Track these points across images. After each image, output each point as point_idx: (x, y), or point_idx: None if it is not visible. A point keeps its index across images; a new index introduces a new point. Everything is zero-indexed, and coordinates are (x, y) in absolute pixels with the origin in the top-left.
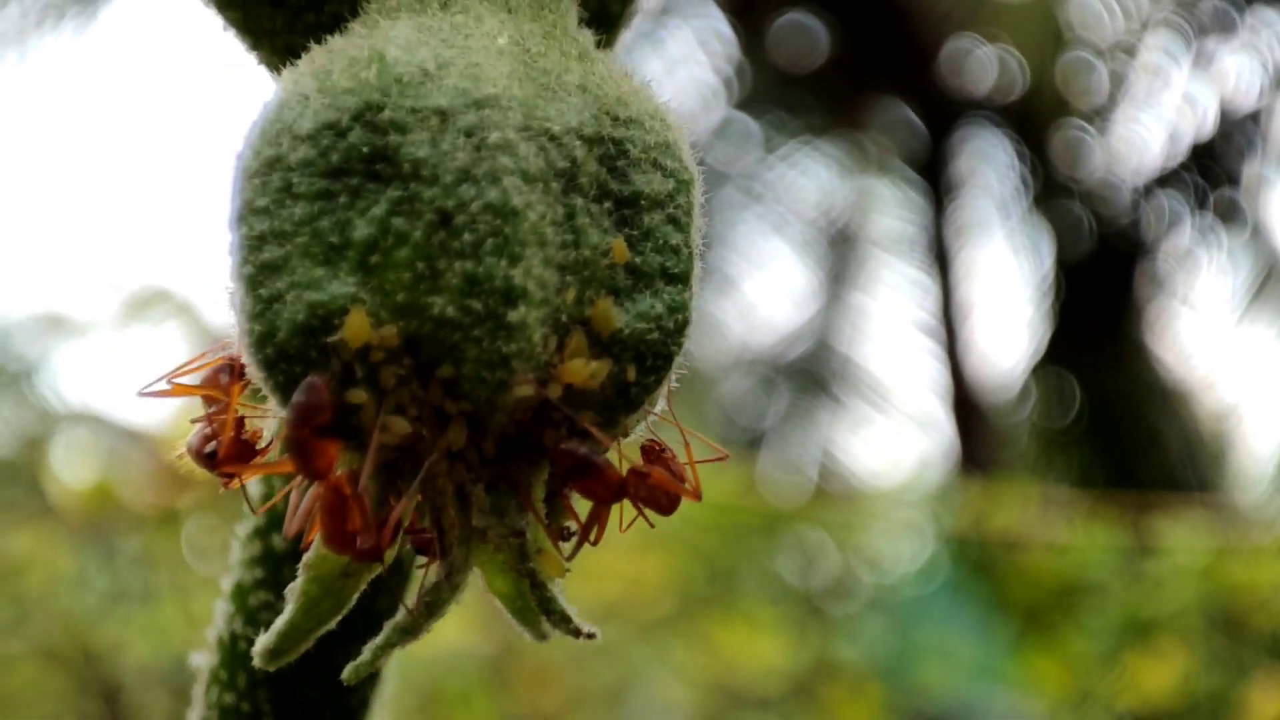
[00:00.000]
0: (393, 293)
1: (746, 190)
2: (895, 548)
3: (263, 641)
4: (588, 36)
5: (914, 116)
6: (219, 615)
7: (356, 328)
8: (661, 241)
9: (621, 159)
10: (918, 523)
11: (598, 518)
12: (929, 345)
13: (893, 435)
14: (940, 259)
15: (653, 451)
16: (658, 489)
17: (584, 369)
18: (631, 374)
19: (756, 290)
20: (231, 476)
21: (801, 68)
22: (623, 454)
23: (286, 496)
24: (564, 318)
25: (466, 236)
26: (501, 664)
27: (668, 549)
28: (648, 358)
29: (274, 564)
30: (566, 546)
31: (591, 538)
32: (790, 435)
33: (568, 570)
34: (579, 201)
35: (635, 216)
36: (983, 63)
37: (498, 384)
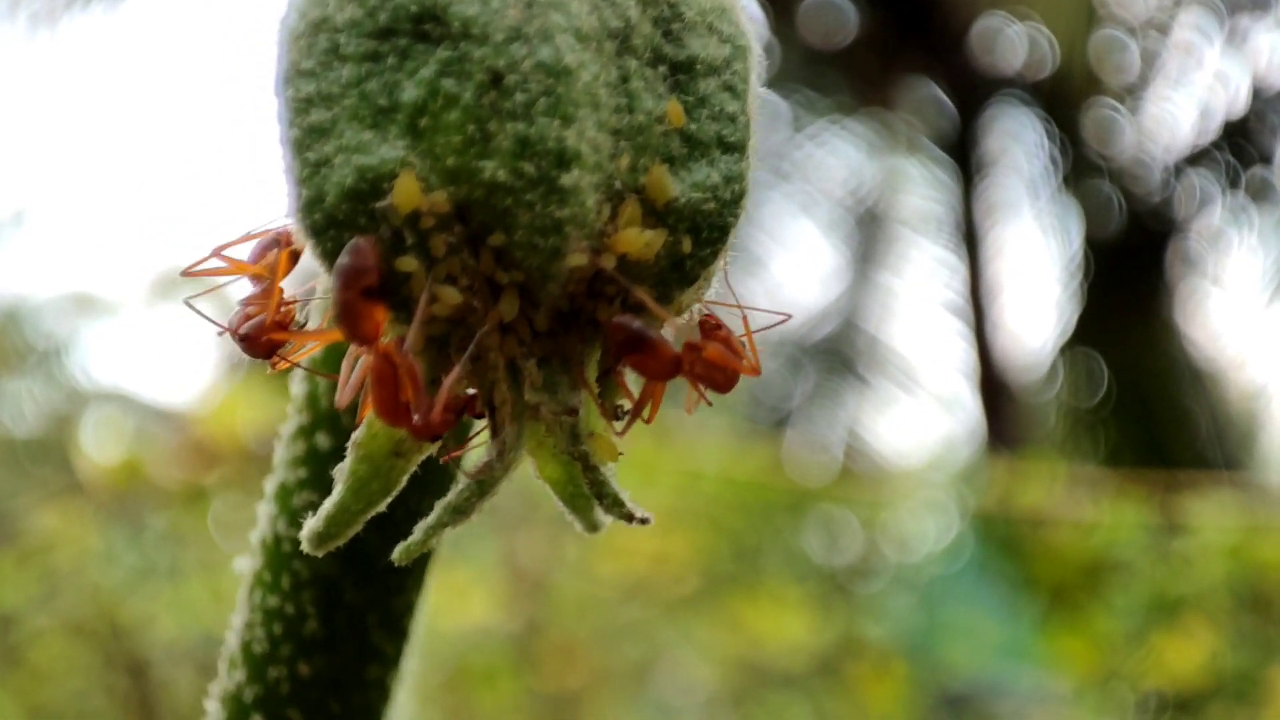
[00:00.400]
0: (443, 156)
1: (774, 169)
2: (921, 526)
3: (310, 525)
4: None
5: (943, 95)
6: (261, 517)
7: (406, 192)
8: (718, 109)
9: (676, 22)
10: (944, 501)
11: (651, 394)
12: (957, 325)
13: (919, 415)
14: (969, 238)
15: (708, 326)
16: (714, 365)
17: (638, 238)
18: (687, 245)
19: (784, 270)
20: (274, 353)
21: (830, 46)
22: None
23: (332, 385)
24: (618, 185)
25: (518, 96)
26: (526, 642)
27: (693, 527)
28: (704, 229)
29: (318, 463)
30: (619, 426)
31: (645, 415)
32: (816, 415)
33: (621, 454)
34: (633, 64)
35: (690, 82)
36: (1013, 41)
37: (551, 251)
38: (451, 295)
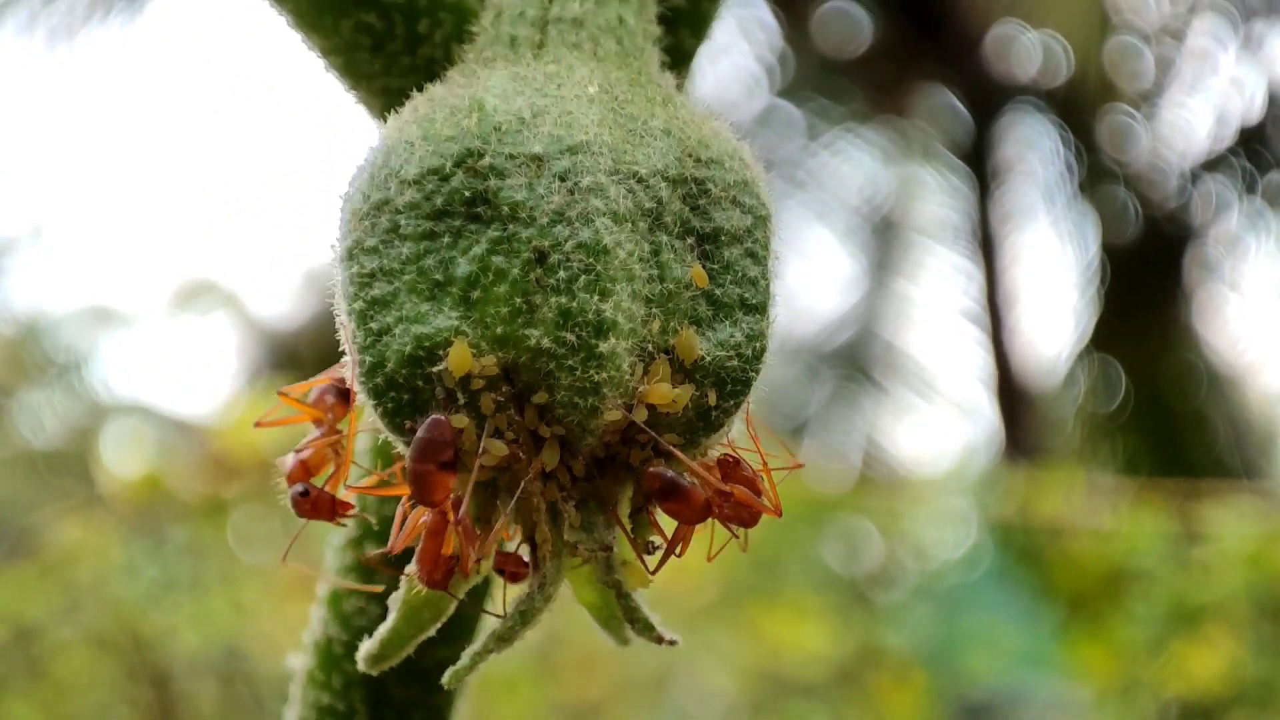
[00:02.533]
0: (492, 325)
1: (790, 178)
2: (940, 535)
3: (366, 648)
4: (669, 81)
5: (958, 103)
6: (314, 620)
7: (459, 358)
8: (741, 274)
9: (703, 197)
10: (963, 510)
11: (683, 536)
12: (974, 332)
13: (937, 422)
14: (985, 245)
15: (728, 465)
16: (740, 507)
17: (668, 394)
18: (712, 398)
19: (800, 278)
20: (311, 514)
21: (845, 55)
22: (703, 473)
23: (385, 513)
24: (650, 346)
25: (561, 273)
26: (547, 652)
27: (710, 538)
28: (728, 383)
29: (367, 572)
30: (651, 560)
31: (677, 552)
32: (834, 422)
33: (651, 581)
34: (664, 238)
35: (716, 251)
36: (1027, 48)
37: (589, 409)
38: (499, 448)
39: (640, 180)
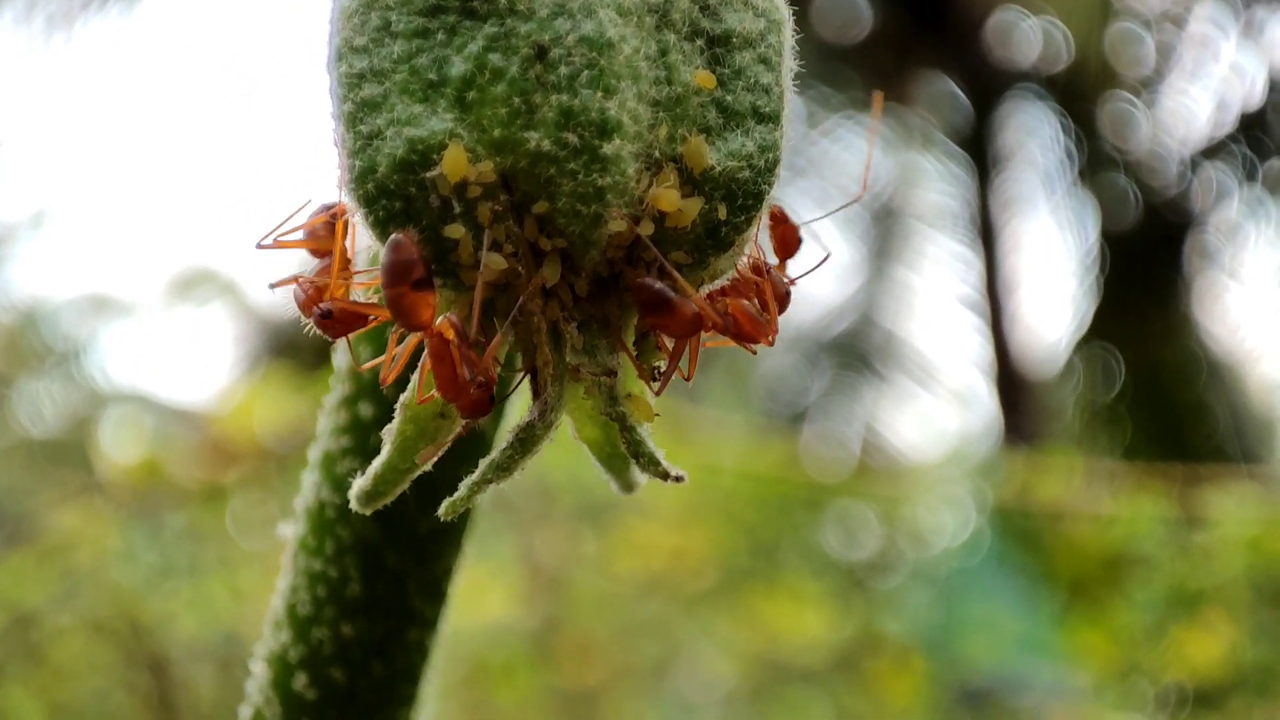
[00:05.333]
0: (489, 128)
1: (790, 165)
2: (939, 521)
3: (359, 484)
4: None
5: (958, 90)
6: (306, 485)
7: (454, 163)
8: (753, 80)
9: None
10: (961, 496)
11: (680, 353)
12: (973, 320)
13: (936, 409)
14: (985, 233)
15: (744, 280)
16: (733, 325)
17: (675, 200)
18: (722, 212)
19: (800, 265)
20: (349, 329)
21: (845, 42)
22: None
23: (374, 364)
24: (657, 154)
25: (562, 70)
26: (545, 638)
27: (711, 522)
28: (739, 196)
29: (361, 432)
30: (656, 387)
31: (684, 374)
32: (834, 410)
33: (656, 415)
34: (671, 38)
35: (727, 55)
36: (1028, 35)
37: (592, 218)
38: (497, 261)
39: None
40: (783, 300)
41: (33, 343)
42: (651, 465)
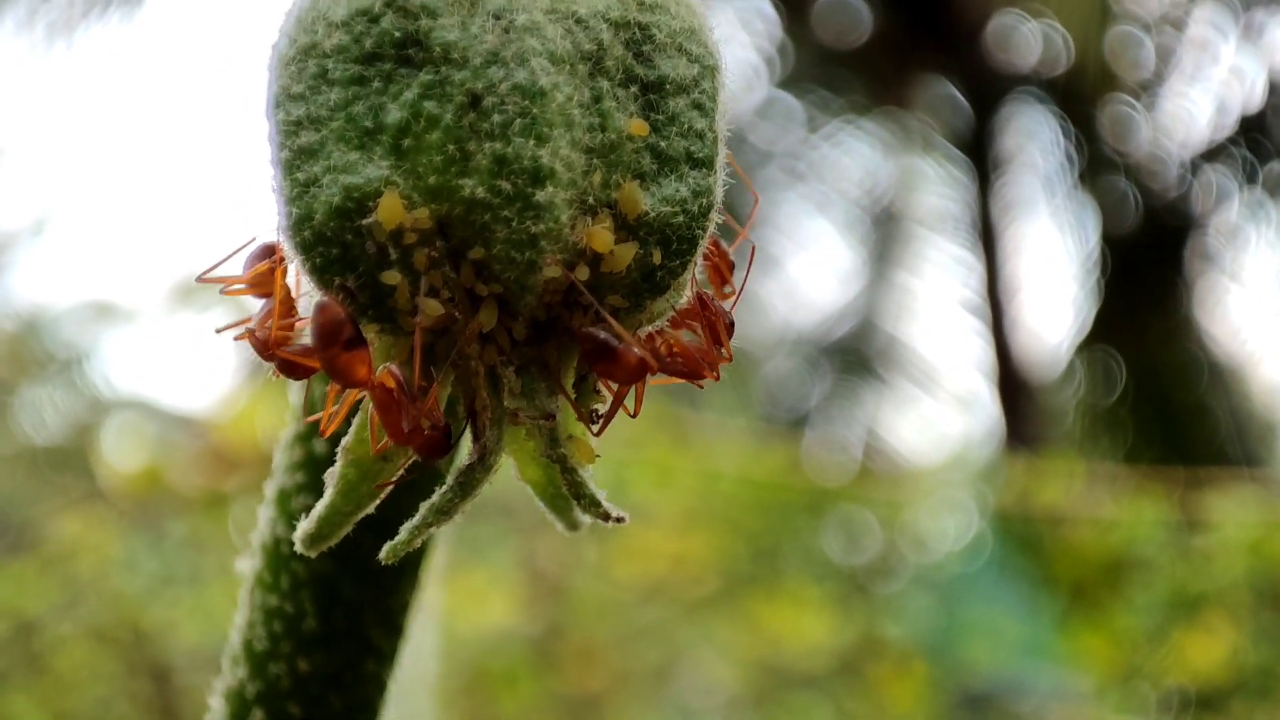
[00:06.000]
0: (425, 175)
1: (790, 169)
2: (940, 525)
3: (303, 527)
4: None
5: (958, 93)
6: (261, 520)
7: (390, 210)
8: (686, 126)
9: (647, 44)
10: (963, 500)
11: (622, 398)
12: (974, 323)
13: (938, 413)
14: (986, 237)
15: (687, 314)
16: (681, 363)
17: (608, 240)
18: (657, 257)
19: (800, 269)
20: (304, 373)
21: (845, 45)
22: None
23: (315, 417)
24: (591, 200)
25: (495, 118)
26: (547, 644)
27: (711, 528)
28: (673, 240)
29: (315, 469)
30: (596, 429)
31: (630, 410)
32: (835, 414)
33: (597, 456)
34: (605, 85)
35: (660, 101)
36: (1028, 38)
37: (527, 264)
38: (434, 307)
39: (579, 21)
40: (726, 330)
41: (34, 350)
42: (593, 507)
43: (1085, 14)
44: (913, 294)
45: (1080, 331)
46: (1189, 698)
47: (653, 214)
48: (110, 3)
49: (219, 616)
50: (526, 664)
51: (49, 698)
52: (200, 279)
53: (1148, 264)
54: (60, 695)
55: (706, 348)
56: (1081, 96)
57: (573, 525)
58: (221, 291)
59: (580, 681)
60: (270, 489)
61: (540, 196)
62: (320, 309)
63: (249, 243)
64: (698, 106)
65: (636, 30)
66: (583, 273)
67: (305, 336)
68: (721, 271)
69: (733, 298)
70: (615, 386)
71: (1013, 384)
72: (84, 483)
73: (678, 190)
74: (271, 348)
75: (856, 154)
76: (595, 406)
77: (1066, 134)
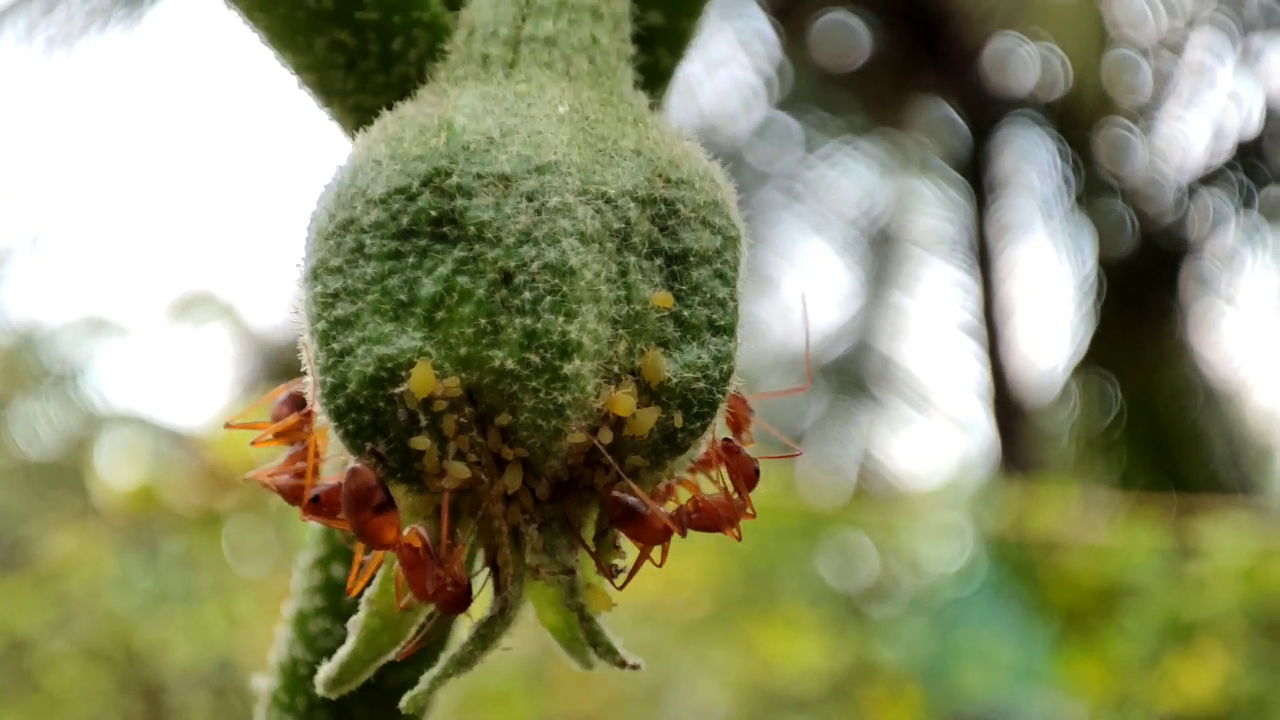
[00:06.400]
0: (456, 346)
1: (787, 190)
2: (935, 549)
3: (325, 671)
4: (642, 100)
5: (956, 115)
6: (280, 641)
7: (422, 379)
8: (709, 295)
9: (673, 218)
10: (958, 524)
11: (647, 556)
12: (970, 345)
13: (933, 436)
14: (982, 259)
15: (709, 462)
16: (704, 520)
17: (630, 405)
18: (678, 420)
19: (796, 290)
20: (331, 515)
21: (843, 67)
22: (673, 492)
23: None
24: (616, 368)
25: (526, 294)
26: (541, 664)
27: (705, 550)
28: (694, 405)
29: (333, 593)
30: (617, 581)
31: (659, 560)
32: (830, 435)
33: (614, 604)
34: (632, 259)
35: (684, 272)
36: (1025, 61)
37: (553, 431)
38: (460, 470)
39: (609, 201)
40: (751, 479)
41: (29, 364)
42: (609, 655)
43: (1083, 38)
44: (909, 315)
45: (1076, 355)
46: None
47: (675, 380)
48: (110, 17)
49: (212, 635)
50: (520, 684)
51: (41, 715)
52: (229, 426)
53: (1144, 288)
54: (52, 713)
55: (728, 501)
56: (1079, 120)
57: (587, 665)
58: (251, 443)
59: (574, 702)
60: (288, 610)
61: (568, 369)
62: (353, 474)
63: (277, 392)
64: (720, 276)
65: (663, 206)
66: (605, 436)
67: (329, 482)
68: (740, 423)
69: (751, 444)
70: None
71: (1008, 407)
72: (78, 499)
73: (700, 356)
74: (300, 498)
75: (854, 175)
76: (614, 561)
77: (1063, 157)
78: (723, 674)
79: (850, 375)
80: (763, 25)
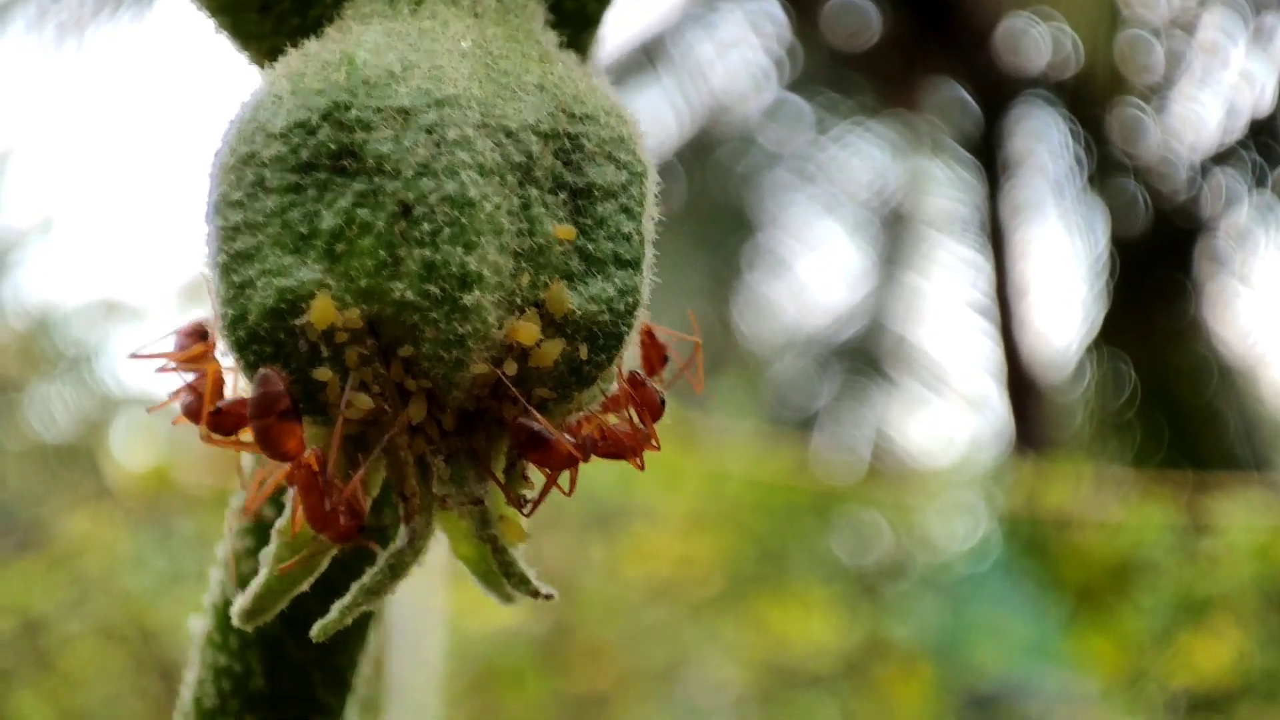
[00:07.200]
0: (356, 278)
1: (799, 171)
2: (948, 527)
3: (240, 602)
4: (551, 38)
5: (967, 96)
6: (213, 582)
7: (322, 311)
8: (614, 229)
9: (577, 153)
10: (971, 502)
11: (553, 484)
12: (983, 325)
13: (946, 415)
14: (995, 239)
15: (620, 397)
16: (609, 447)
17: (534, 334)
18: (584, 352)
19: (809, 271)
20: (228, 433)
21: (854, 48)
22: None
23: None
24: (519, 300)
25: (425, 226)
26: (554, 643)
27: (718, 529)
28: (599, 337)
29: (264, 534)
30: (526, 510)
31: (566, 491)
32: (843, 415)
33: (528, 536)
34: (534, 193)
35: (589, 206)
36: (1037, 41)
37: (455, 362)
38: (364, 401)
39: (510, 134)
40: (657, 410)
41: (44, 347)
42: (523, 585)
43: (1095, 17)
44: (921, 295)
45: (1089, 334)
46: (1195, 701)
47: (579, 312)
48: (120, 3)
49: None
50: (533, 663)
51: (57, 695)
52: (134, 356)
53: (1157, 266)
54: (68, 692)
55: (633, 430)
56: (1091, 99)
57: (507, 599)
58: (157, 371)
59: (587, 681)
60: (221, 552)
61: (467, 300)
62: (262, 379)
63: (182, 323)
64: (625, 210)
65: (566, 140)
66: (510, 368)
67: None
68: (652, 362)
69: (669, 382)
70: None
71: (1021, 386)
72: (92, 480)
73: (604, 289)
74: (201, 416)
75: (865, 156)
76: (522, 492)
77: (1076, 137)
78: (736, 651)
79: (863, 355)
80: (773, 6)
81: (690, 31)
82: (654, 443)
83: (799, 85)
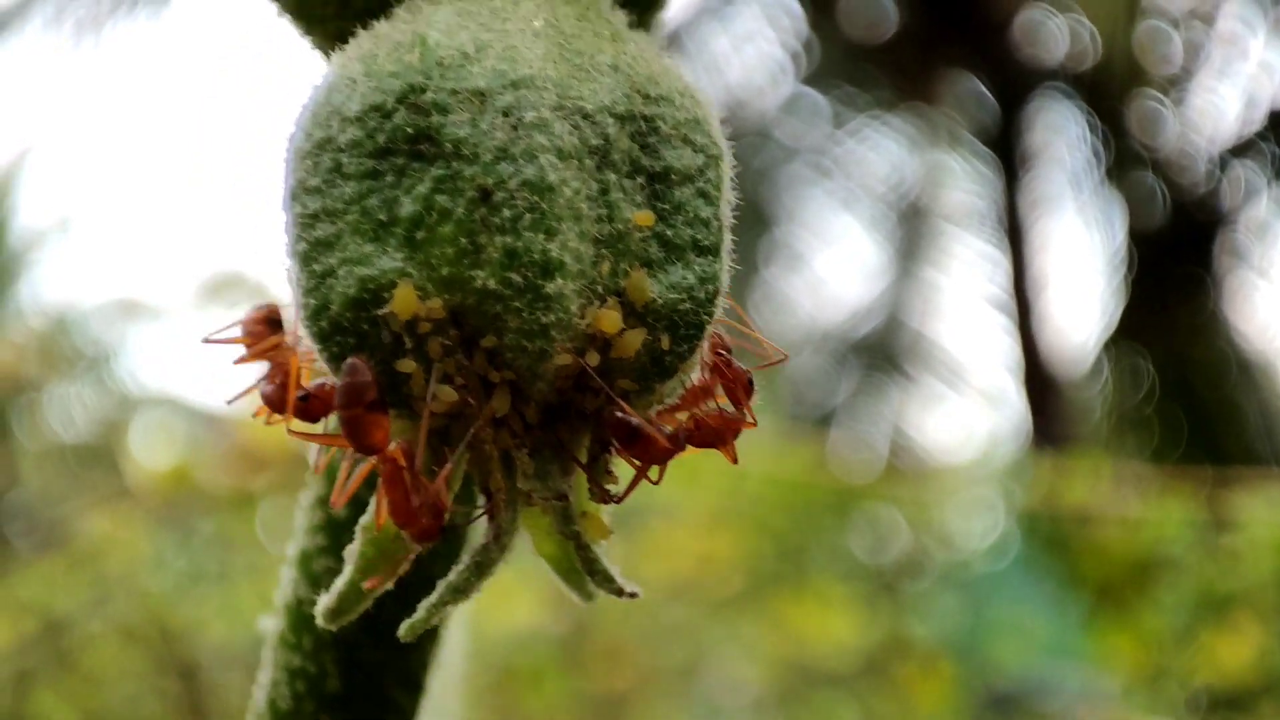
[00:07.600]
0: (438, 267)
1: (815, 165)
2: (967, 524)
3: (324, 602)
4: (621, 17)
5: (985, 89)
6: (284, 581)
7: (404, 301)
8: (692, 215)
9: (653, 135)
10: (990, 499)
11: (644, 477)
12: (1001, 320)
13: (964, 411)
14: (1012, 233)
15: (706, 385)
16: (704, 436)
17: (617, 323)
18: (665, 342)
19: (826, 266)
20: (314, 422)
21: (871, 41)
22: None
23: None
24: (600, 289)
25: (505, 212)
26: (573, 643)
27: (737, 527)
28: (681, 326)
29: (335, 531)
30: (611, 507)
31: (655, 480)
32: (861, 412)
33: (611, 532)
34: (612, 177)
35: (667, 191)
36: (1055, 33)
37: (538, 353)
38: (448, 394)
39: (586, 116)
40: (748, 389)
41: (63, 347)
42: (606, 582)
43: (1113, 8)
44: (939, 290)
45: (1107, 328)
46: (1217, 698)
47: (660, 301)
48: (137, 0)
49: (247, 614)
50: (553, 663)
51: (78, 695)
52: (207, 340)
53: (1175, 260)
54: (89, 693)
55: (724, 416)
56: (1109, 92)
57: (587, 596)
58: (234, 361)
59: (606, 680)
60: (292, 550)
61: (550, 288)
62: (350, 369)
63: (249, 311)
64: (703, 195)
65: (642, 123)
66: (593, 358)
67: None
68: (735, 393)
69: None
70: (635, 464)
71: (1040, 381)
72: (112, 480)
73: (685, 277)
74: (284, 405)
75: (883, 150)
76: (608, 486)
77: (1094, 129)
78: (755, 650)
79: (881, 351)
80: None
81: (706, 25)
82: (751, 421)
83: (815, 79)
